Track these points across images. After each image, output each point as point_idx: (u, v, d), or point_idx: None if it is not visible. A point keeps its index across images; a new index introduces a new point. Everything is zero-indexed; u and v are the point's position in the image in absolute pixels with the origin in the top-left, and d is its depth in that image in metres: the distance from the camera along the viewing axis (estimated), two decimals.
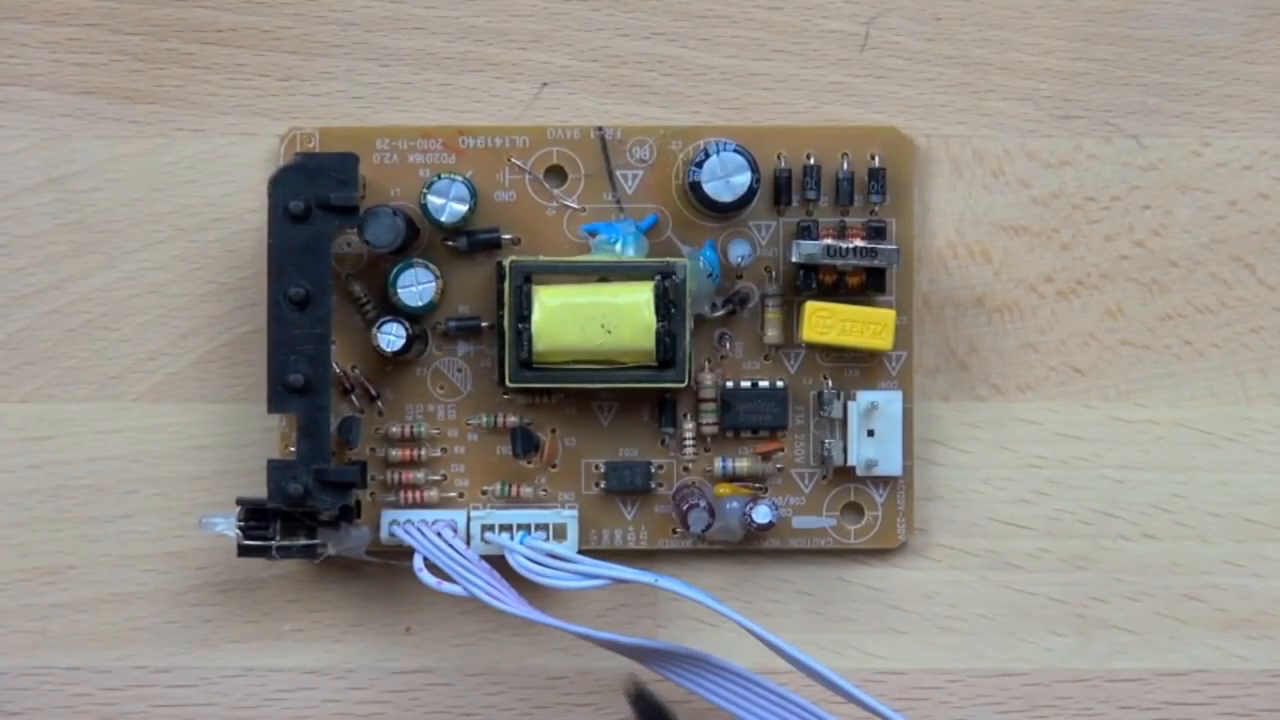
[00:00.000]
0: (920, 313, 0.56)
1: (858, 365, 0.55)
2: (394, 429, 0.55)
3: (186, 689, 0.56)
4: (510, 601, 0.52)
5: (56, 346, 0.56)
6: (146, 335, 0.56)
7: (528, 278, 0.53)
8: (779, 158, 0.55)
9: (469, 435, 0.55)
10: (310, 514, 0.53)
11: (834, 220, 0.55)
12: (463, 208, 0.54)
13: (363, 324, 0.55)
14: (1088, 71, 0.56)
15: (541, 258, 0.54)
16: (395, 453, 0.55)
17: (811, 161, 0.55)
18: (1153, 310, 0.56)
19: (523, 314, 0.53)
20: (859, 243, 0.54)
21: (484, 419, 0.55)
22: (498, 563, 0.53)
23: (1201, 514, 0.56)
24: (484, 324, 0.55)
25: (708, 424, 0.55)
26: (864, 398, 0.54)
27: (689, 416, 0.55)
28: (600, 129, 0.55)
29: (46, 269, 0.56)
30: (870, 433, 0.55)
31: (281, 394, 0.52)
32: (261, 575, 0.56)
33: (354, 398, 0.55)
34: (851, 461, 0.55)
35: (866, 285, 0.54)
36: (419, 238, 0.54)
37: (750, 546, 0.56)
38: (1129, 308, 0.56)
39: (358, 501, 0.54)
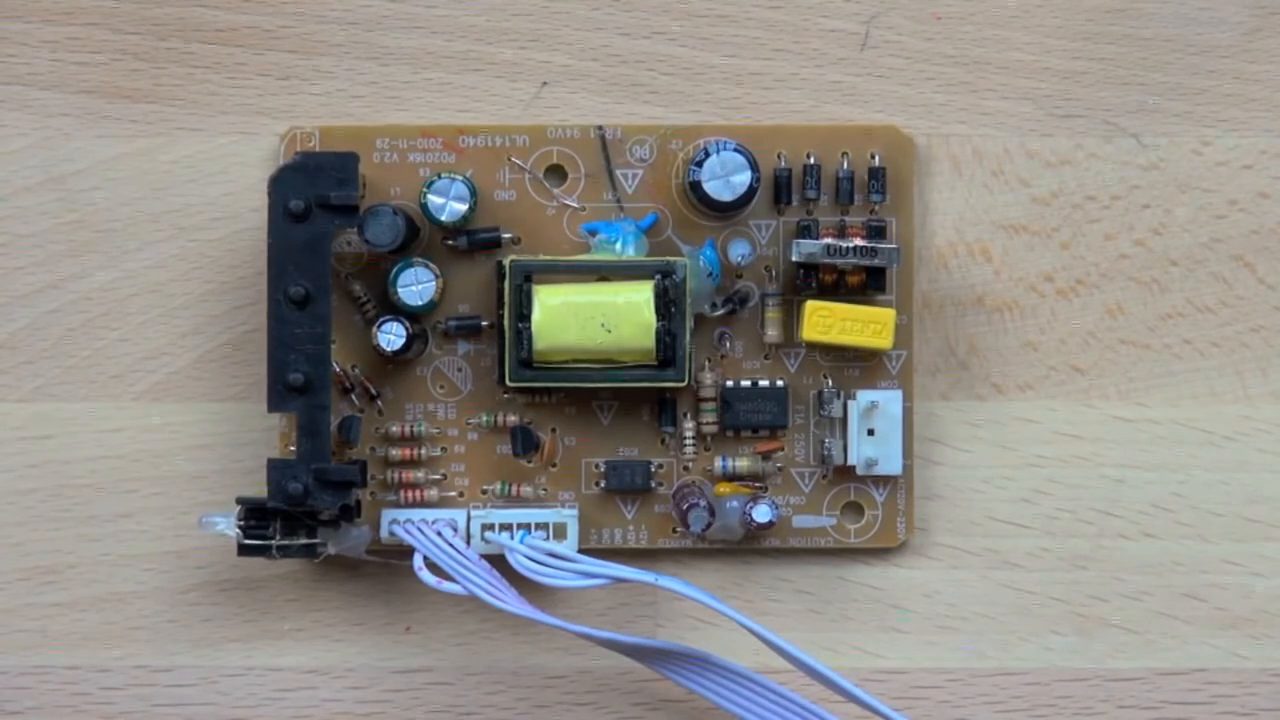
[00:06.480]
0: (920, 312, 0.56)
1: (858, 364, 0.55)
2: (394, 428, 0.55)
3: (186, 688, 0.56)
4: (510, 601, 0.52)
5: (56, 346, 0.56)
6: (146, 335, 0.56)
7: (528, 277, 0.53)
8: (779, 157, 0.55)
9: (469, 434, 0.55)
10: (310, 513, 0.53)
11: (834, 219, 0.55)
12: (463, 207, 0.54)
13: (363, 323, 0.55)
14: (1088, 71, 0.56)
15: (541, 257, 0.54)
16: (395, 452, 0.55)
17: (811, 161, 0.55)
18: (1153, 309, 0.56)
19: (523, 313, 0.53)
20: (859, 242, 0.54)
21: (484, 418, 0.55)
22: (498, 562, 0.53)
23: (1201, 513, 0.56)
24: (484, 323, 0.55)
25: (708, 423, 0.55)
26: (864, 397, 0.54)
27: (689, 416, 0.55)
28: (600, 128, 0.55)
29: (46, 269, 0.56)
30: (870, 432, 0.55)
31: (281, 393, 0.52)
32: (261, 575, 0.56)
33: (354, 397, 0.55)
34: (851, 461, 0.55)
35: (866, 284, 0.54)
36: (419, 237, 0.54)
37: (750, 546, 0.56)
38: (1129, 307, 0.56)
39: (358, 501, 0.54)
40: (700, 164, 0.54)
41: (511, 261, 0.54)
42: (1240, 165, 0.56)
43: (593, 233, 0.55)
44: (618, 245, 0.54)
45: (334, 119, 0.56)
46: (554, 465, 0.55)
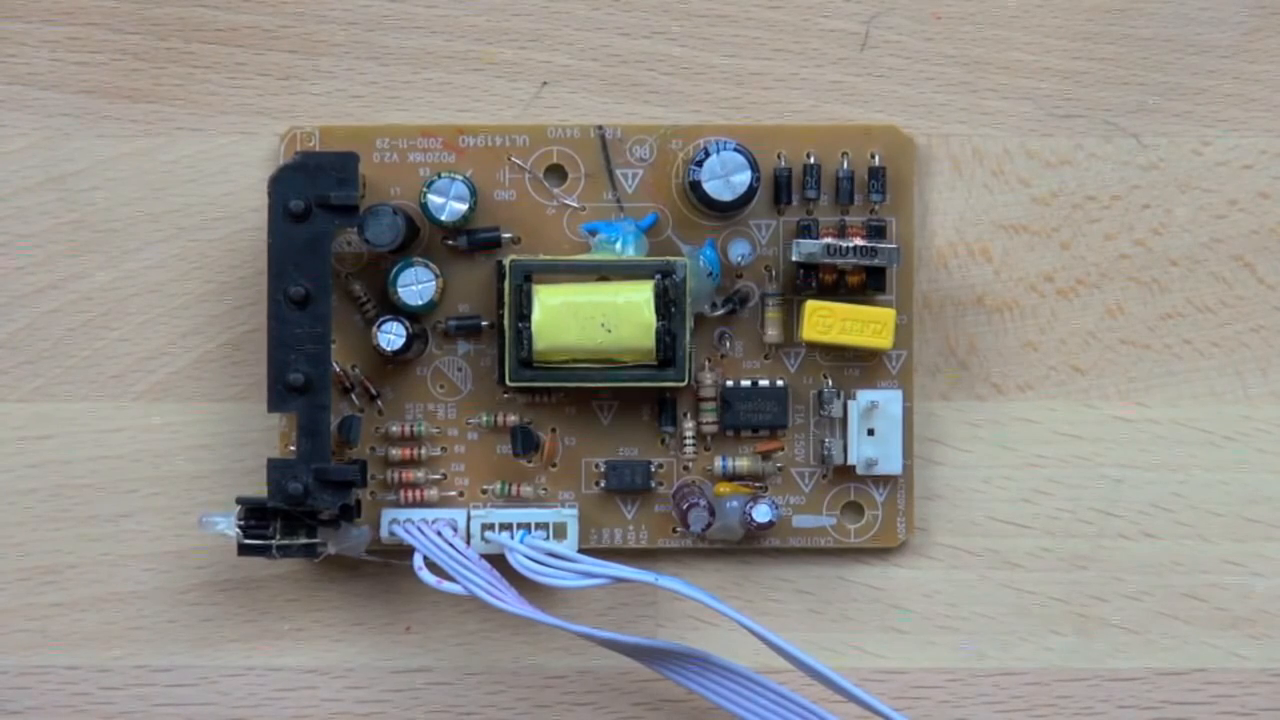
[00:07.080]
0: (920, 312, 0.56)
1: (858, 364, 0.55)
2: (394, 428, 0.55)
3: (186, 688, 0.56)
4: (510, 600, 0.52)
5: (56, 346, 0.56)
6: (146, 335, 0.56)
7: (528, 277, 0.53)
8: (779, 157, 0.55)
9: (469, 434, 0.55)
10: (310, 513, 0.53)
11: (834, 219, 0.55)
12: (463, 207, 0.54)
13: (363, 323, 0.55)
14: (1088, 71, 0.56)
15: (541, 257, 0.54)
16: (395, 452, 0.55)
17: (811, 160, 0.55)
18: (1153, 309, 0.56)
19: (523, 313, 0.53)
20: (859, 242, 0.54)
21: (484, 418, 0.55)
22: (498, 562, 0.53)
23: (1201, 513, 0.56)
24: (484, 323, 0.55)
25: (708, 423, 0.55)
26: (864, 397, 0.54)
27: (689, 415, 0.55)
28: (600, 128, 0.55)
29: (46, 269, 0.56)
30: (870, 432, 0.55)
31: (281, 393, 0.52)
32: (261, 575, 0.56)
33: (354, 397, 0.55)
34: (852, 460, 0.55)
35: (866, 284, 0.54)
36: (419, 237, 0.54)
37: (750, 546, 0.56)
38: (1129, 307, 0.56)
39: (358, 500, 0.54)
40: (700, 164, 0.54)
41: (511, 261, 0.54)
42: (1240, 165, 0.56)
43: (593, 233, 0.55)
44: (618, 245, 0.54)
45: (334, 119, 0.56)
46: (554, 465, 0.55)
